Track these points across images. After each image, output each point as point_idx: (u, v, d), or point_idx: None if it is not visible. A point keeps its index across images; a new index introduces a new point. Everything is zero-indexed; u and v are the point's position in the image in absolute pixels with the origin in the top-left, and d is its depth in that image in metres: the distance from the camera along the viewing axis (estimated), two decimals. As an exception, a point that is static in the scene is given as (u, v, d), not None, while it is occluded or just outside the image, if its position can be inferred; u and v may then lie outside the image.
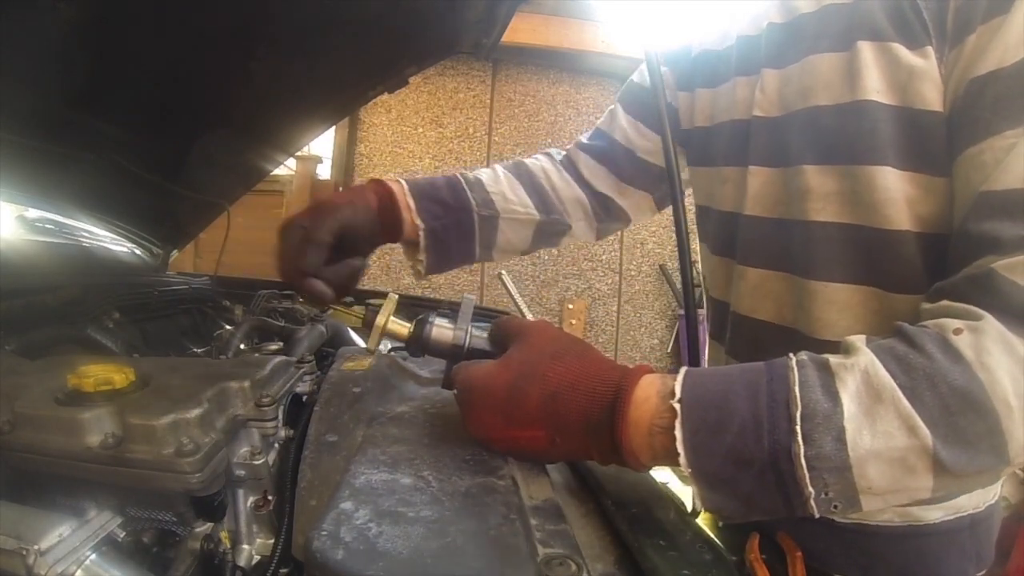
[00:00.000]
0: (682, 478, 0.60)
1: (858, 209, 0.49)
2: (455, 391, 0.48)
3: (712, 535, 0.44)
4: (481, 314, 1.50)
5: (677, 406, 0.39)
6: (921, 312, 0.42)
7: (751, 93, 0.57)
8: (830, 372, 0.38)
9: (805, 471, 0.36)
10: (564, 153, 0.80)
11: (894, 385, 0.36)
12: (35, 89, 0.71)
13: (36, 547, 0.36)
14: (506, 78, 3.48)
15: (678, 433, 0.38)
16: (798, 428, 0.36)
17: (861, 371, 0.37)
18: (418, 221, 0.65)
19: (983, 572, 0.58)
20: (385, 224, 0.63)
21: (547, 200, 0.74)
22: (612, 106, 0.78)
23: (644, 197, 0.77)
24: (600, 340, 3.55)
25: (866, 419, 0.36)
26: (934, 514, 0.55)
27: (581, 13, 3.01)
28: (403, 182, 0.66)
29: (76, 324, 0.76)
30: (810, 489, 0.36)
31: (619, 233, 3.54)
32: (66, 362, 0.50)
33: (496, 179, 0.72)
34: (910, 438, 0.35)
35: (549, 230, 0.75)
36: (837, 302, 0.51)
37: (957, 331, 0.37)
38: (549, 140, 3.48)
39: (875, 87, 0.46)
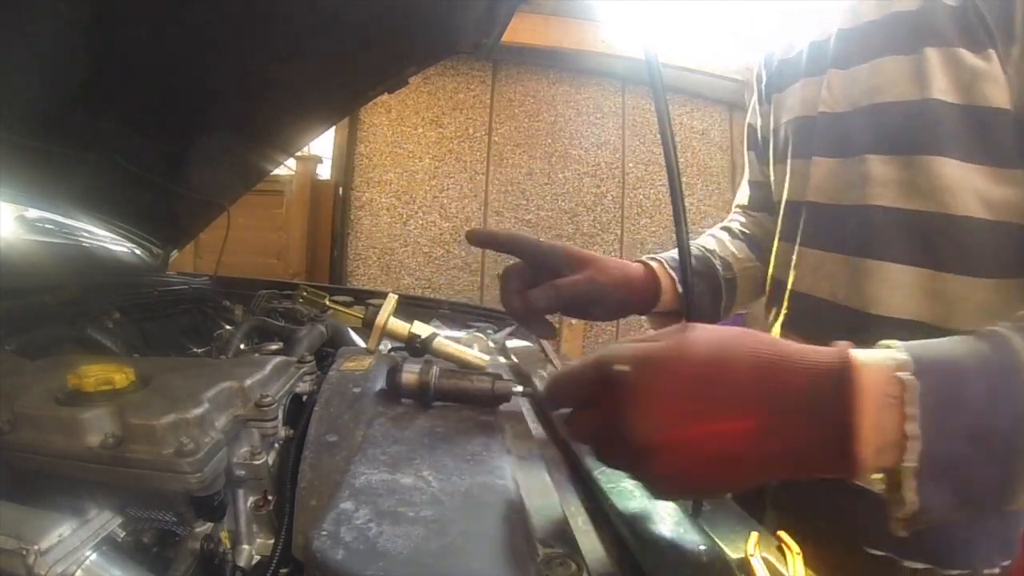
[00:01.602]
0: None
1: (916, 195, 0.53)
2: (619, 370, 0.36)
3: (712, 535, 0.44)
4: (481, 314, 1.50)
5: (908, 377, 0.32)
6: None
7: (817, 92, 0.62)
8: None
9: None
10: (739, 210, 0.88)
11: None
12: (35, 89, 0.71)
13: (36, 547, 0.36)
14: (506, 78, 3.48)
15: (911, 410, 0.32)
16: None
17: None
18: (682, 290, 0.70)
19: (1008, 562, 0.58)
20: (644, 297, 0.67)
21: (762, 251, 0.78)
22: (747, 155, 0.85)
23: None
24: (600, 340, 3.55)
25: None
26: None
27: (581, 13, 3.02)
28: (661, 259, 0.70)
29: (76, 324, 0.76)
30: None
31: (619, 232, 3.54)
32: (66, 362, 0.50)
33: (722, 244, 0.79)
34: None
35: None
36: (890, 280, 0.54)
37: None
38: (549, 140, 3.48)
39: (940, 87, 0.50)
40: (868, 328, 0.55)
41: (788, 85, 0.69)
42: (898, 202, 0.54)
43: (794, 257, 0.65)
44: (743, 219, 0.86)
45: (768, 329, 0.74)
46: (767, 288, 0.76)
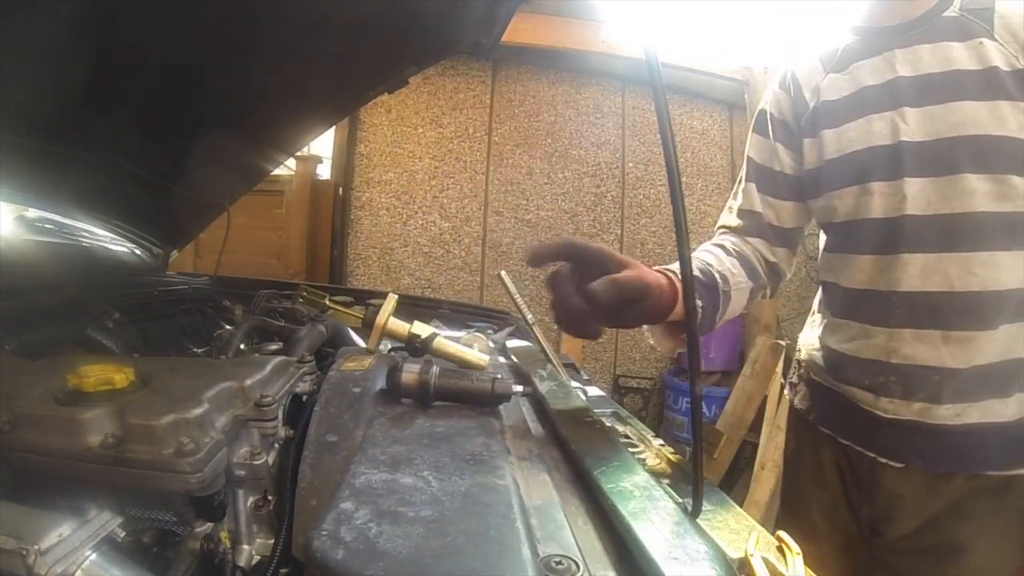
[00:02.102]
0: (682, 478, 0.60)
1: (1008, 201, 0.71)
2: None
3: (712, 535, 0.44)
4: (481, 314, 1.50)
5: None
6: None
7: (890, 124, 0.76)
8: None
9: None
10: (727, 231, 0.93)
11: None
12: (35, 89, 0.71)
13: (36, 547, 0.36)
14: (506, 78, 3.47)
15: None
16: None
17: None
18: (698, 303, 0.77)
19: None
20: (664, 304, 0.68)
21: (752, 269, 0.87)
22: (745, 185, 0.92)
23: (788, 252, 0.93)
24: (600, 340, 3.54)
25: None
26: (1011, 410, 0.72)
27: (582, 13, 3.01)
28: (673, 272, 0.72)
29: (76, 324, 0.76)
30: None
31: (619, 233, 3.54)
32: (66, 362, 0.50)
33: (719, 259, 0.84)
34: None
35: (755, 292, 0.89)
36: (1000, 265, 0.72)
37: None
38: (549, 140, 3.48)
39: (1012, 128, 0.70)
40: (982, 303, 0.72)
41: (847, 121, 0.79)
42: (996, 207, 0.71)
43: (897, 264, 0.76)
44: (735, 239, 0.89)
45: (858, 335, 0.82)
46: (842, 300, 0.85)
